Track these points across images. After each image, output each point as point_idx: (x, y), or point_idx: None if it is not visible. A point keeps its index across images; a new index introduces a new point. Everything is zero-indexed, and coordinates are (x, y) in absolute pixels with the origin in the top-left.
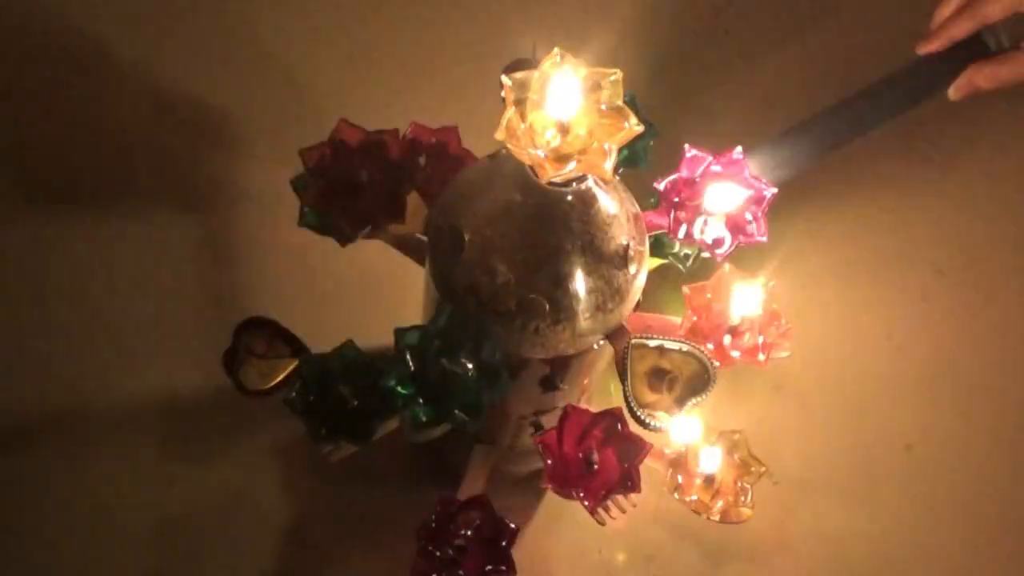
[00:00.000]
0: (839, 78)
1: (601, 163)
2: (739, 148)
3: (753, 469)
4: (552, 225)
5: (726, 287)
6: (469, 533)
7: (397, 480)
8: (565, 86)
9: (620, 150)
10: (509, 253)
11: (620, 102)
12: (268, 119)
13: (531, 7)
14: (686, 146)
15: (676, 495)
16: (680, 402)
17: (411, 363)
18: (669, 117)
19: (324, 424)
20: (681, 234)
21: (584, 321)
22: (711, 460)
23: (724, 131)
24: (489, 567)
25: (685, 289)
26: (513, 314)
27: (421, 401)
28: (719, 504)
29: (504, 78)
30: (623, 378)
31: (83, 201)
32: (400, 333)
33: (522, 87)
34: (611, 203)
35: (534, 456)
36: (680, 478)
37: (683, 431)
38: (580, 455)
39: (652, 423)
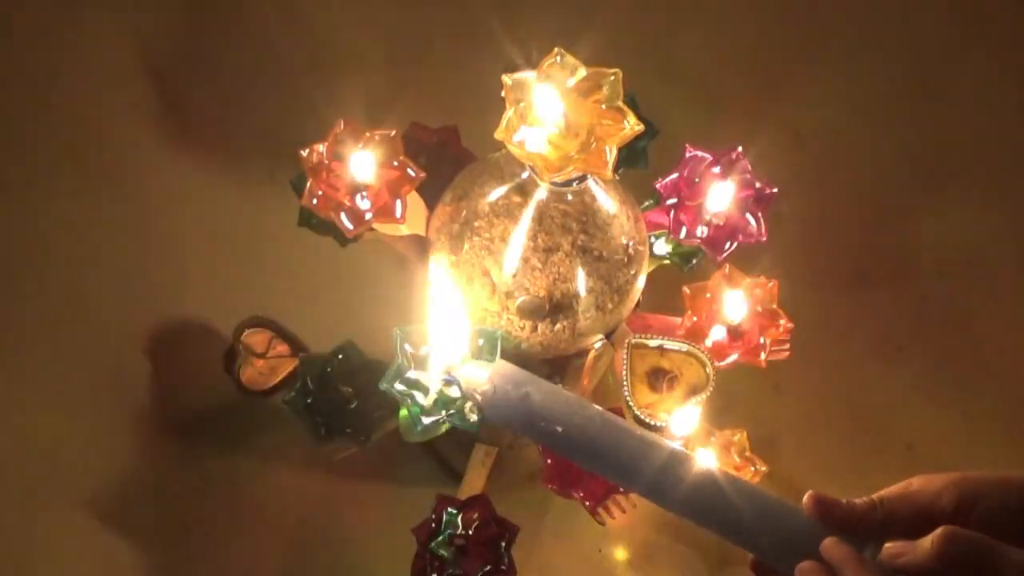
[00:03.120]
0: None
1: (601, 163)
2: (739, 148)
3: (753, 468)
4: (552, 225)
5: (726, 287)
6: (469, 533)
7: (397, 480)
8: (563, 86)
9: (620, 150)
10: (509, 253)
11: (620, 102)
12: (268, 119)
13: (532, 7)
14: (686, 146)
15: None
16: (680, 402)
17: (410, 364)
18: (669, 117)
19: (324, 424)
20: (681, 234)
21: (584, 321)
22: (710, 459)
23: (724, 131)
24: (489, 567)
25: (685, 289)
26: (513, 314)
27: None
28: None
29: (504, 78)
30: (623, 378)
31: (78, 202)
32: (400, 333)
33: (522, 88)
34: (611, 203)
35: (534, 456)
36: None
37: (683, 430)
38: None
39: (652, 423)
